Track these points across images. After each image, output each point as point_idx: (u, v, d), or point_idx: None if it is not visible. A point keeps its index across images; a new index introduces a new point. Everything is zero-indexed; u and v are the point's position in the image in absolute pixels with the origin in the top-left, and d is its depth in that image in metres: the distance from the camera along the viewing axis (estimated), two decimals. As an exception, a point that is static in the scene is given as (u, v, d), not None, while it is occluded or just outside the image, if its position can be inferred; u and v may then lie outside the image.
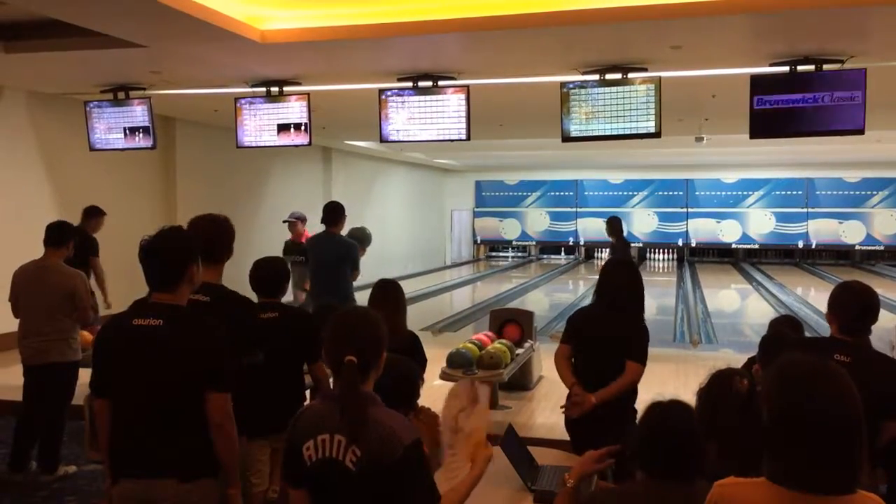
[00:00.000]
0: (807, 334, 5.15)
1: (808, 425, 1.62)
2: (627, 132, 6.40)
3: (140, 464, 2.55)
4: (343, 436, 2.02)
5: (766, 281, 17.48)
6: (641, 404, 2.31)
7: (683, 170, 21.36)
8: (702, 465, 2.10)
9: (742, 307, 15.31)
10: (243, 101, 7.40)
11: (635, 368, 3.69)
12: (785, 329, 4.13)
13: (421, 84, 6.81)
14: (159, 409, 2.54)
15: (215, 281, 3.25)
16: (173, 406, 2.55)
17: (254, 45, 5.83)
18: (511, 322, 6.82)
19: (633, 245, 18.97)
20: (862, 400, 1.66)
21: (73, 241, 5.27)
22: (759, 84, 6.13)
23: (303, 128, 7.27)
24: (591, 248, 23.20)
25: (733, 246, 22.14)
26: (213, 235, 3.23)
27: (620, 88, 6.38)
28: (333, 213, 6.72)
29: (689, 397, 2.37)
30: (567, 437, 3.90)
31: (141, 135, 7.81)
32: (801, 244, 21.59)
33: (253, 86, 7.37)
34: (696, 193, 22.28)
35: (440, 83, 6.78)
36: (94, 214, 7.63)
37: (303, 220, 8.49)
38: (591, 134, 6.51)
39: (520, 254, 24.44)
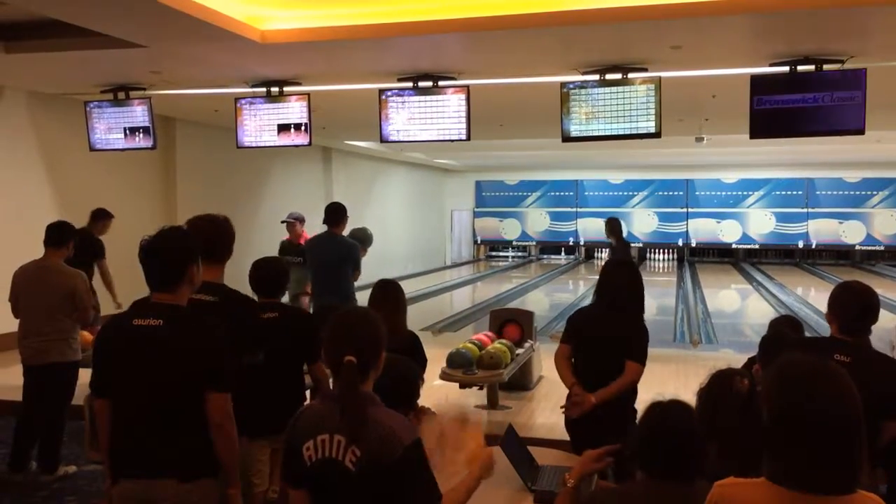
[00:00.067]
0: (807, 334, 5.15)
1: (808, 425, 1.62)
2: (627, 132, 6.40)
3: (140, 464, 2.54)
4: (343, 436, 2.02)
5: (766, 281, 17.48)
6: (641, 404, 2.31)
7: (683, 170, 21.36)
8: (702, 465, 2.10)
9: (742, 307, 15.31)
10: (243, 102, 7.40)
11: (635, 368, 3.69)
12: (785, 329, 4.13)
13: (421, 84, 6.81)
14: (159, 410, 2.54)
15: (217, 280, 3.26)
16: (173, 406, 2.55)
17: (254, 45, 5.83)
18: (511, 322, 6.82)
19: (633, 245, 19.02)
20: (862, 400, 1.66)
21: (73, 242, 5.27)
22: (759, 84, 6.14)
23: (303, 128, 7.28)
24: (591, 249, 23.19)
25: (733, 246, 22.14)
26: (213, 235, 3.23)
27: (620, 88, 6.38)
28: (335, 213, 6.74)
29: (689, 397, 2.37)
30: (567, 437, 3.90)
31: (141, 135, 7.81)
32: (801, 244, 21.59)
33: (253, 86, 7.37)
34: (697, 193, 22.28)
35: (440, 83, 6.78)
36: (101, 217, 7.64)
37: (301, 220, 8.45)
38: (591, 134, 6.51)
39: (520, 254, 24.44)
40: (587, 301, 11.68)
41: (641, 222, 22.54)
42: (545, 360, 6.92)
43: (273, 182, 13.72)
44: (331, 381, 2.20)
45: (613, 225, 8.73)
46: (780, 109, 6.08)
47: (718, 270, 20.43)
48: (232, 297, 3.25)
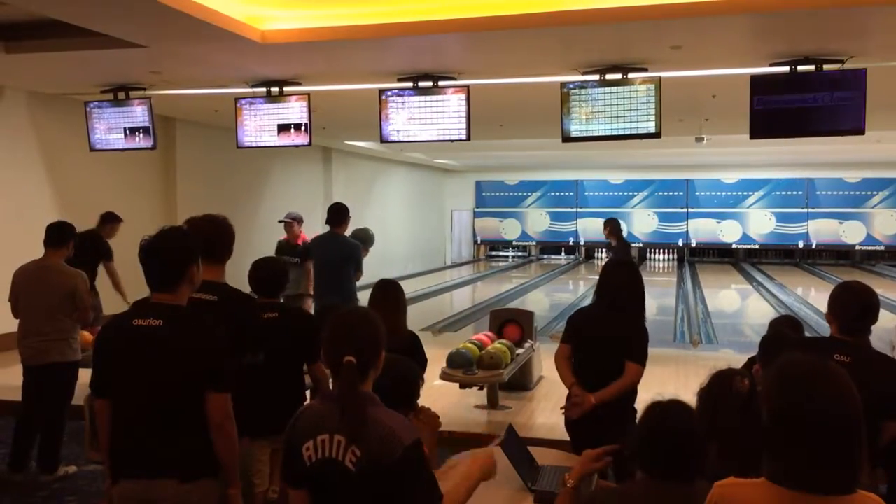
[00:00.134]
0: (807, 334, 5.15)
1: (808, 425, 1.62)
2: (627, 132, 6.40)
3: (140, 464, 2.54)
4: (343, 436, 2.02)
5: (766, 281, 17.48)
6: (641, 404, 2.30)
7: (683, 170, 21.36)
8: (702, 465, 2.10)
9: (742, 307, 15.31)
10: (243, 102, 7.40)
11: (635, 369, 3.69)
12: (785, 329, 4.13)
13: (421, 84, 6.81)
14: (159, 410, 2.54)
15: (219, 280, 3.26)
16: (173, 406, 2.55)
17: (254, 45, 5.83)
18: (511, 322, 6.82)
19: (633, 245, 19.01)
20: (862, 400, 1.66)
21: (73, 242, 5.26)
22: (759, 84, 6.14)
23: (303, 128, 7.28)
24: (591, 249, 23.19)
25: (733, 246, 22.14)
26: (213, 234, 3.23)
27: (621, 88, 6.38)
28: (338, 213, 6.77)
29: (690, 397, 2.36)
30: (567, 438, 3.90)
31: (141, 135, 7.81)
32: (801, 244, 21.59)
33: (253, 86, 7.37)
34: (697, 194, 22.29)
35: (440, 83, 6.78)
36: (110, 220, 7.65)
37: (299, 220, 8.39)
38: (591, 134, 6.51)
39: (520, 254, 24.43)
40: (587, 301, 11.68)
41: (641, 222, 22.54)
42: (545, 361, 6.92)
43: (273, 182, 13.72)
44: (331, 381, 2.20)
45: (614, 225, 8.72)
46: (780, 109, 6.08)
47: (718, 270, 20.42)
48: (233, 296, 3.26)
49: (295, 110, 7.28)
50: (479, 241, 24.36)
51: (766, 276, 18.37)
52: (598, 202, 22.73)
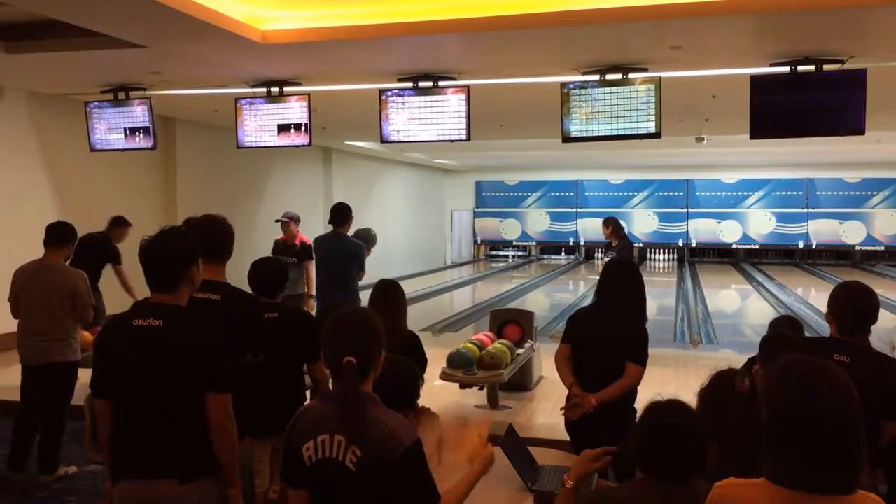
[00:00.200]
0: (807, 334, 5.15)
1: (808, 425, 1.63)
2: (628, 132, 6.40)
3: (140, 464, 2.54)
4: (343, 436, 2.02)
5: (766, 281, 17.48)
6: (641, 404, 2.30)
7: (684, 170, 21.36)
8: (702, 464, 2.10)
9: (742, 307, 15.31)
10: (244, 102, 7.41)
11: (636, 370, 3.68)
12: (785, 329, 4.14)
13: (421, 84, 6.81)
14: (159, 410, 2.54)
15: (220, 279, 3.26)
16: (173, 406, 2.55)
17: (254, 45, 5.83)
18: (511, 322, 6.82)
19: (633, 245, 18.99)
20: (862, 400, 1.66)
21: (73, 242, 5.26)
22: (759, 84, 6.13)
23: (303, 128, 7.28)
24: (591, 249, 23.15)
25: (734, 246, 22.13)
26: (213, 234, 3.24)
27: (621, 89, 6.38)
28: (341, 213, 6.79)
29: (690, 397, 2.37)
30: (567, 438, 3.90)
31: (141, 135, 7.81)
32: (801, 244, 21.59)
33: (253, 86, 7.37)
34: (697, 194, 22.28)
35: (440, 83, 6.78)
36: (119, 224, 7.65)
37: (296, 220, 8.33)
38: (591, 134, 6.51)
39: (520, 254, 24.43)
40: (587, 301, 11.69)
41: (641, 222, 22.54)
42: (545, 361, 6.91)
43: (273, 182, 13.72)
44: (331, 381, 2.20)
45: (616, 224, 8.69)
46: (781, 110, 6.08)
47: (718, 270, 20.42)
48: (236, 295, 3.26)
49: (295, 110, 7.28)
50: (479, 242, 24.36)
51: (767, 277, 18.37)
52: (599, 202, 22.72)
